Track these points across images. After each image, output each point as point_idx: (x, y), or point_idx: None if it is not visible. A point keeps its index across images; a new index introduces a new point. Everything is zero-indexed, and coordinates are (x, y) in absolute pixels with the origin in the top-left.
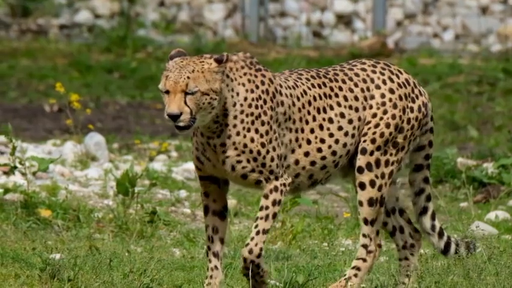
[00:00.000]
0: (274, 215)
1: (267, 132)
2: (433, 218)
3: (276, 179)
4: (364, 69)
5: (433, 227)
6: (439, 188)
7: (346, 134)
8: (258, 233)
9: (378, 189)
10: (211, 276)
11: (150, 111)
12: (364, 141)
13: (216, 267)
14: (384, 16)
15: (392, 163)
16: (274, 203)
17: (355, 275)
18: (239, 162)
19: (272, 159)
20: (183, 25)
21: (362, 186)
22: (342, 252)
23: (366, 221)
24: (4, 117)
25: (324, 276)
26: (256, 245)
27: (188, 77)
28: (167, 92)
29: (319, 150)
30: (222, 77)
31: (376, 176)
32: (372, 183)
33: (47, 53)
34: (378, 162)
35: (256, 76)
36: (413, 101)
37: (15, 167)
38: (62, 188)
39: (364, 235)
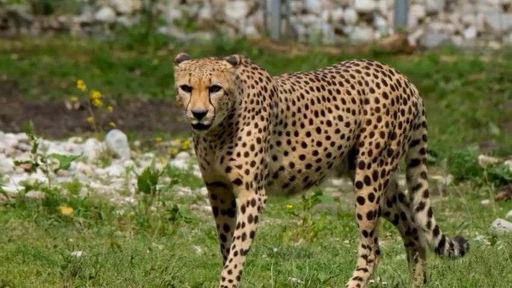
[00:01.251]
0: (252, 234)
1: (264, 129)
2: (429, 214)
3: (255, 191)
4: (358, 71)
5: (428, 224)
6: (460, 186)
7: (342, 136)
8: (236, 254)
9: (376, 201)
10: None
11: (172, 108)
12: (363, 153)
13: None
14: (405, 13)
15: (388, 172)
16: (250, 219)
17: (358, 286)
18: (229, 153)
19: (261, 161)
20: (204, 22)
21: (361, 200)
22: None
23: (365, 233)
24: (26, 114)
25: (346, 273)
26: (235, 266)
27: (211, 74)
28: (190, 89)
29: (315, 153)
30: (235, 79)
31: (375, 189)
32: (371, 197)
33: (69, 51)
34: (375, 175)
35: (253, 73)
36: (405, 103)
37: (37, 165)
38: (83, 186)
39: (363, 246)
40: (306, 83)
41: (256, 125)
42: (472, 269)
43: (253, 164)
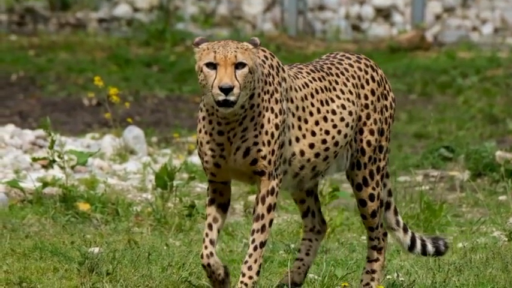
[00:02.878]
0: (271, 223)
1: (280, 112)
2: (395, 213)
3: (274, 178)
4: (351, 65)
5: (397, 222)
6: (477, 182)
7: (347, 125)
8: (255, 248)
9: (377, 198)
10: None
11: (189, 104)
12: (356, 151)
13: (211, 254)
14: (422, 9)
15: (382, 168)
16: (269, 209)
17: (372, 279)
18: (255, 144)
19: (280, 147)
20: (222, 19)
21: (363, 203)
22: None
23: (371, 229)
24: (43, 111)
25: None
26: (255, 261)
27: (236, 51)
28: (215, 66)
29: (324, 141)
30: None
31: (373, 188)
32: (371, 198)
33: (86, 47)
34: (371, 174)
35: (258, 52)
36: (386, 99)
37: (54, 161)
38: (100, 182)
39: (371, 238)
40: (308, 73)
41: (272, 110)
42: (489, 265)
43: (273, 152)
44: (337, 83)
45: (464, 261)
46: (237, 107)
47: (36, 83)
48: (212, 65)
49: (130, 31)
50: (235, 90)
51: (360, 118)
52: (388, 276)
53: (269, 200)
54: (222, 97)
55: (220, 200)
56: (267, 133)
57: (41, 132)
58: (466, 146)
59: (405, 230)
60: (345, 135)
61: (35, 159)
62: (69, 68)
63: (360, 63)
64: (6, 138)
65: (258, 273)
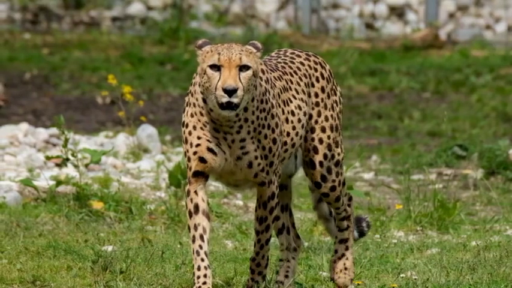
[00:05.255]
0: (273, 221)
1: (276, 125)
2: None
3: (273, 183)
4: (302, 63)
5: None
6: (491, 180)
7: (302, 126)
8: (262, 246)
9: (339, 185)
10: (205, 276)
11: None
12: (308, 150)
13: (209, 266)
14: (436, 8)
15: (340, 160)
16: (271, 211)
17: (347, 248)
18: (256, 158)
19: (278, 155)
20: (235, 17)
21: (325, 195)
22: (394, 244)
23: (337, 207)
24: (57, 109)
25: (377, 268)
26: (263, 257)
27: (240, 53)
28: (219, 68)
29: (285, 143)
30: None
31: (333, 181)
32: (333, 189)
33: (100, 45)
34: (329, 170)
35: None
36: (335, 94)
37: (68, 159)
38: (114, 180)
39: (338, 213)
40: (271, 71)
41: (269, 126)
42: (502, 263)
43: (271, 164)
44: (291, 82)
45: (478, 260)
46: (240, 110)
47: (50, 81)
48: (216, 67)
49: (144, 29)
50: (239, 92)
51: (310, 117)
52: (401, 275)
53: (270, 204)
54: (225, 99)
55: (204, 206)
56: (264, 149)
57: (54, 130)
58: (480, 145)
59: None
60: (301, 137)
61: (48, 158)
62: (83, 67)
63: (310, 61)
64: (20, 137)
65: (266, 266)
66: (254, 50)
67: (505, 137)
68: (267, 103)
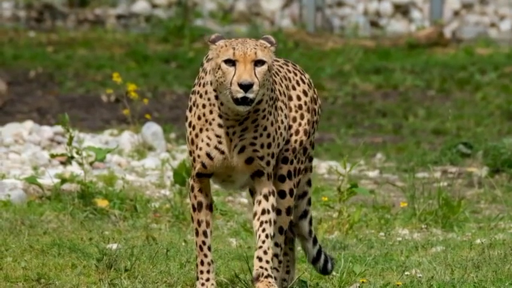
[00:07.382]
0: (275, 222)
1: (281, 120)
2: (310, 223)
3: (271, 176)
4: (281, 67)
5: (310, 233)
6: (495, 178)
7: (285, 128)
8: (267, 236)
9: (293, 197)
10: (208, 271)
11: None
12: (287, 150)
13: (212, 261)
14: (441, 6)
15: (301, 171)
16: (273, 208)
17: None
18: (253, 144)
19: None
20: (240, 15)
21: (283, 194)
22: (398, 242)
23: (281, 230)
24: (61, 107)
25: (381, 266)
26: (268, 248)
27: (255, 48)
28: (234, 63)
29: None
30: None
31: (294, 185)
32: (291, 192)
33: (104, 43)
34: (295, 171)
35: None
36: (316, 103)
37: (72, 157)
38: (118, 178)
39: (277, 244)
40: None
41: (275, 116)
42: (507, 261)
43: (273, 155)
44: (275, 83)
45: (483, 258)
46: (254, 104)
47: (55, 79)
48: (231, 62)
49: (148, 27)
50: (255, 87)
51: (294, 119)
52: (406, 273)
53: (271, 200)
54: (241, 94)
55: (207, 201)
56: (269, 136)
57: (59, 128)
58: (484, 143)
59: (314, 242)
60: (283, 138)
61: (53, 156)
62: (88, 65)
63: (288, 65)
64: (25, 135)
65: (272, 256)
66: (268, 45)
67: (510, 135)
68: (272, 91)
